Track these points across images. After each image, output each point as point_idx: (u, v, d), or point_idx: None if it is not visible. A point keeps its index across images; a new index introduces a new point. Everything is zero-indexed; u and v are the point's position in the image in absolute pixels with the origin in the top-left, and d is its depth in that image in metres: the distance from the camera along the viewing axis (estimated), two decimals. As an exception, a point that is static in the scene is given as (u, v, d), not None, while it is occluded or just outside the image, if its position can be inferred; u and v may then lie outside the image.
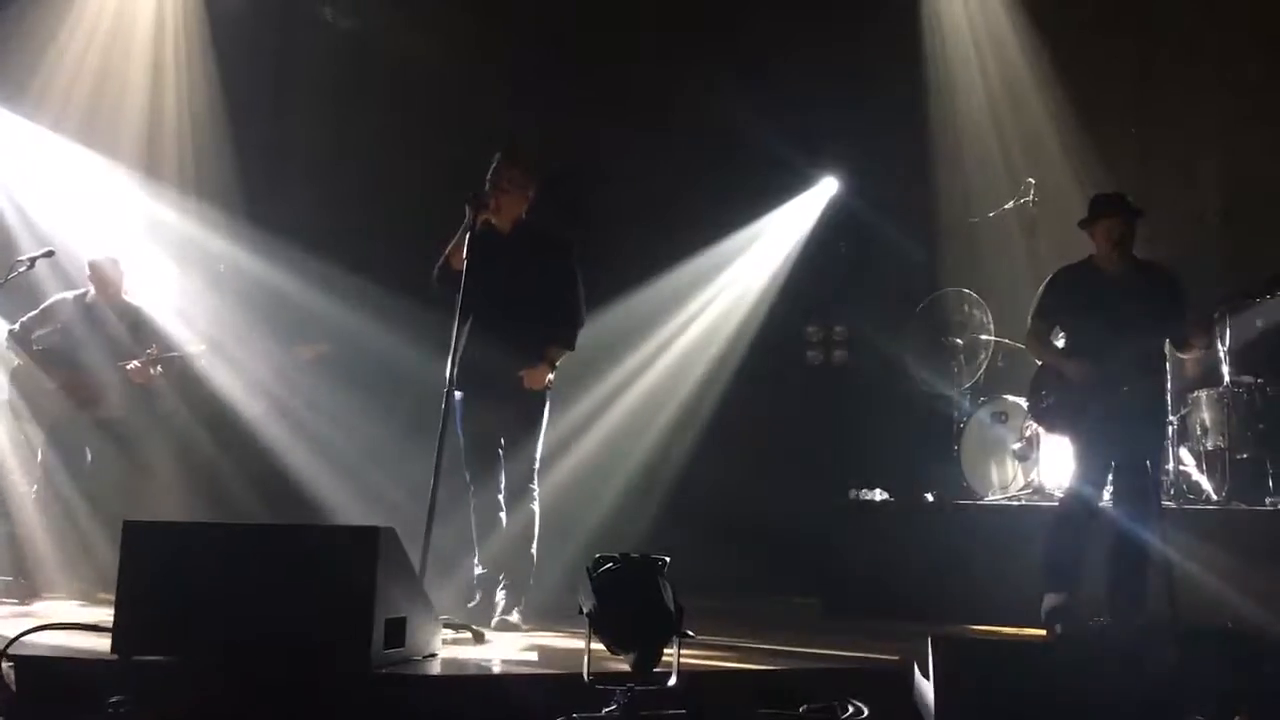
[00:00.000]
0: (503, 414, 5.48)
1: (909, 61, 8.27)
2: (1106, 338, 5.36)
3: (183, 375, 7.31)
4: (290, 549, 4.12)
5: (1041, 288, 5.70)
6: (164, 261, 7.84)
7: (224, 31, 8.43)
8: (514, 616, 5.38)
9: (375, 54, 8.55)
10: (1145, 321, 5.35)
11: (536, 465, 5.58)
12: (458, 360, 5.17)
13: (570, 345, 5.60)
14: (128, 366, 6.81)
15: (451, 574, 5.74)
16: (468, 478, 5.55)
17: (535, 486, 5.57)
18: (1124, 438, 5.34)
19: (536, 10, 8.63)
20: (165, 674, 3.86)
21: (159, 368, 6.94)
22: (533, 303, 5.47)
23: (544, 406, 5.56)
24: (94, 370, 6.80)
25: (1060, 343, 5.73)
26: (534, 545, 5.51)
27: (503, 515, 5.50)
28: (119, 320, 6.92)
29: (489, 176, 5.49)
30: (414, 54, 8.30)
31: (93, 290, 6.94)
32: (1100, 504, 5.53)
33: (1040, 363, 5.74)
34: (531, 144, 6.68)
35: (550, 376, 5.56)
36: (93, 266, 6.94)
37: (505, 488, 5.51)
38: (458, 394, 5.36)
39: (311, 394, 7.84)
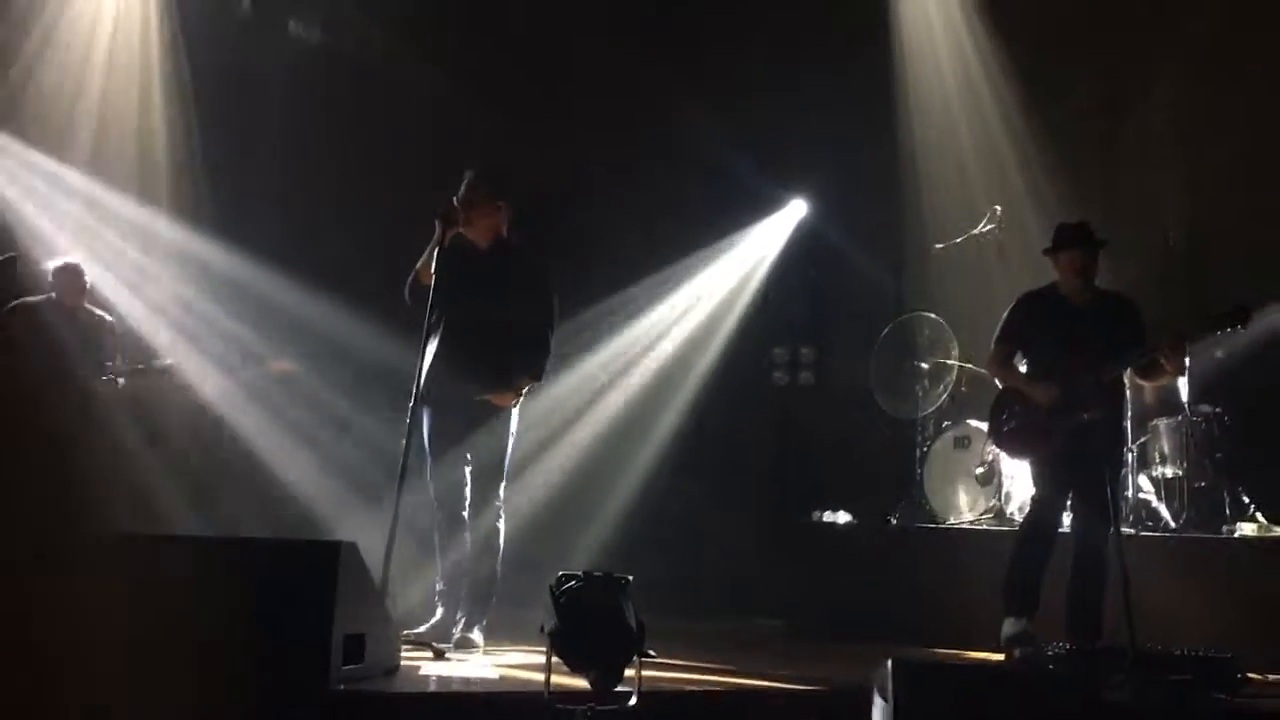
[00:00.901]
0: (469, 430, 5.45)
1: (879, 87, 8.33)
2: (1067, 365, 5.41)
3: (146, 389, 7.23)
4: (248, 563, 4.09)
5: (1006, 312, 5.75)
6: (127, 272, 7.78)
7: (194, 43, 8.39)
8: (475, 634, 5.34)
9: (347, 68, 8.54)
10: (1106, 350, 5.41)
11: (503, 482, 5.55)
12: (425, 374, 5.16)
13: (539, 376, 5.54)
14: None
15: (413, 589, 5.71)
16: (432, 493, 5.51)
17: (501, 503, 5.53)
18: (1084, 463, 5.38)
19: (509, 29, 8.64)
20: (119, 687, 3.81)
21: (123, 381, 6.86)
22: (505, 322, 5.39)
23: (510, 423, 5.53)
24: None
25: (1021, 369, 5.78)
26: (498, 562, 5.48)
27: (467, 533, 5.47)
28: (81, 330, 6.83)
29: (460, 191, 5.47)
30: (389, 69, 8.30)
31: (53, 298, 6.84)
32: (1060, 529, 5.57)
33: (1002, 386, 5.79)
34: (503, 160, 6.66)
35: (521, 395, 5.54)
36: (56, 274, 6.85)
37: (470, 504, 5.48)
38: (425, 408, 5.34)
39: (276, 408, 7.79)
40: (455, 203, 5.38)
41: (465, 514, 5.46)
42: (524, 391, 5.51)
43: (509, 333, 5.41)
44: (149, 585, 3.96)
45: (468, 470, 5.48)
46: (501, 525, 5.51)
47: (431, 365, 5.22)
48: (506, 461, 5.54)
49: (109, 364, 6.77)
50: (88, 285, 6.94)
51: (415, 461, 5.17)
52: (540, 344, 5.51)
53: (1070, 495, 5.52)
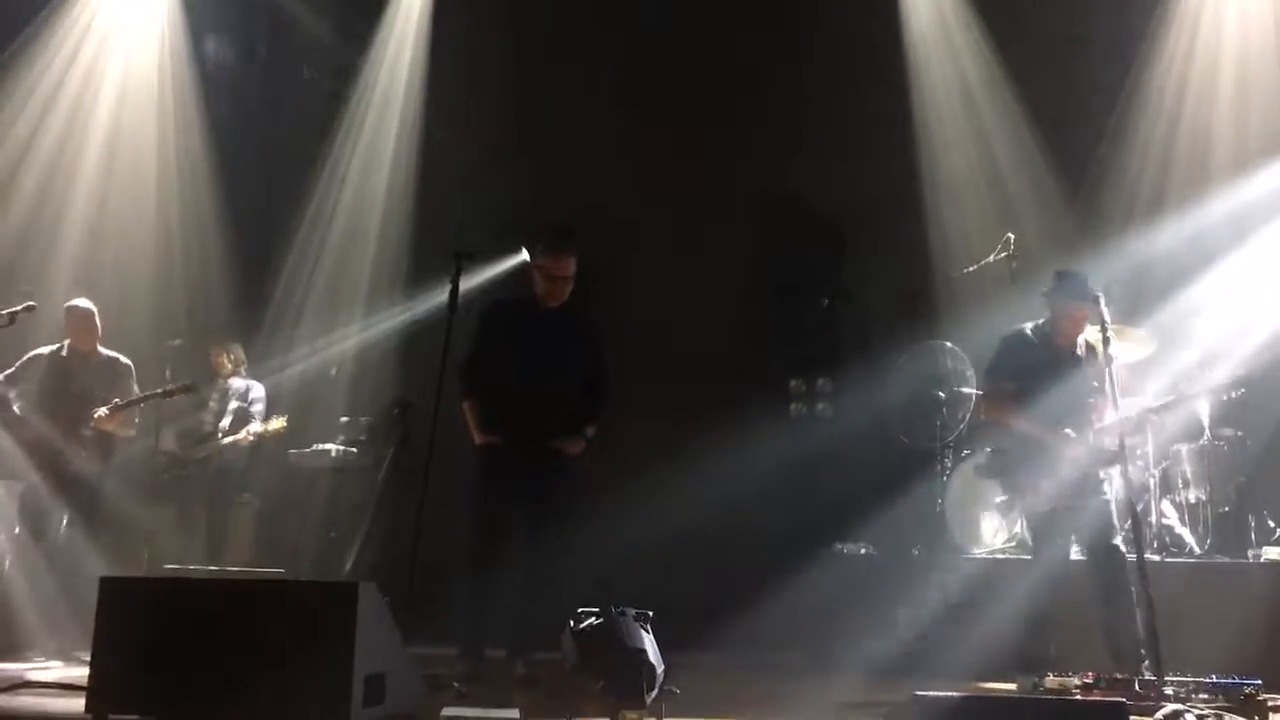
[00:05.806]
0: (538, 474, 5.60)
1: (896, 119, 8.36)
2: (1054, 404, 5.41)
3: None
4: (269, 604, 4.09)
5: (996, 348, 5.77)
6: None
7: (215, 93, 8.61)
8: (523, 669, 5.40)
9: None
10: (1087, 396, 5.43)
11: (567, 525, 5.70)
12: (496, 425, 5.57)
13: (602, 421, 5.83)
14: (95, 414, 6.70)
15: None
16: (480, 531, 5.62)
17: (560, 547, 5.68)
18: (1093, 504, 5.40)
19: (524, 66, 8.76)
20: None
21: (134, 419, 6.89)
22: (572, 379, 5.74)
23: (577, 473, 5.77)
24: (67, 425, 6.70)
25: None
26: (552, 601, 5.51)
27: (525, 572, 5.58)
28: (95, 372, 6.84)
29: (540, 262, 5.72)
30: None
31: (69, 342, 6.85)
32: (1068, 563, 5.56)
33: (1002, 425, 5.75)
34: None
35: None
36: (70, 312, 6.85)
37: (531, 545, 5.63)
38: (491, 452, 5.59)
39: (308, 445, 7.90)
40: (538, 275, 5.71)
41: (526, 554, 5.61)
42: (590, 435, 5.77)
43: (576, 388, 5.76)
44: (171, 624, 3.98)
45: (529, 512, 5.63)
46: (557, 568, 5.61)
47: (504, 413, 5.57)
48: (572, 506, 5.75)
49: (114, 401, 6.77)
50: (98, 326, 6.92)
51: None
52: (605, 396, 5.87)
53: (1075, 533, 5.53)
